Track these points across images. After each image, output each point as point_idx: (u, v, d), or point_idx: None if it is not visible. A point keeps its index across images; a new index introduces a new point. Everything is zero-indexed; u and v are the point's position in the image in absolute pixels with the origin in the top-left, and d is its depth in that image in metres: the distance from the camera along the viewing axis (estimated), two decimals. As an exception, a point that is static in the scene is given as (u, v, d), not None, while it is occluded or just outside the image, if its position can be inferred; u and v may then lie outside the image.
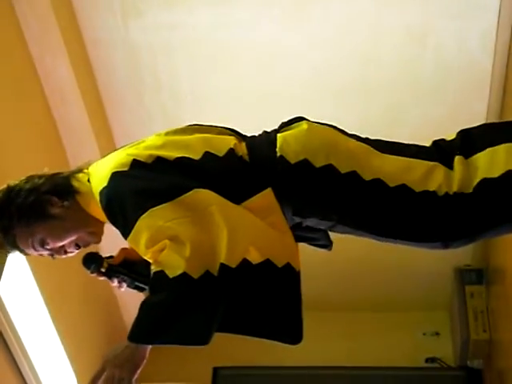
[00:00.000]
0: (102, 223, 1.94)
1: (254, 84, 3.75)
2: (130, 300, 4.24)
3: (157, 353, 4.97)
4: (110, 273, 1.92)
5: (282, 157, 1.84)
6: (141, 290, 1.93)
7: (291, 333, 1.73)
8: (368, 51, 3.61)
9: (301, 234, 1.93)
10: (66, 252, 1.94)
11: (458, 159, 1.84)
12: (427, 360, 4.83)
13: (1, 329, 2.75)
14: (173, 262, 1.67)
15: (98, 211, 1.86)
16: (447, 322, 4.97)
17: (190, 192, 1.74)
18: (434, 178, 1.83)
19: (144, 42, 3.59)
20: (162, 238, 1.71)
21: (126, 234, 1.77)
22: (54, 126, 3.56)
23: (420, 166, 1.85)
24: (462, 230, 1.82)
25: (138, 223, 1.73)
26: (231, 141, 1.91)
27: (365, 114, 3.83)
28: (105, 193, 1.81)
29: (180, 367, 4.74)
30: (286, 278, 1.74)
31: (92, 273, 1.91)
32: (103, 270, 1.91)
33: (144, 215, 1.72)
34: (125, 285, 1.92)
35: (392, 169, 1.84)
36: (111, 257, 1.96)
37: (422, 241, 1.85)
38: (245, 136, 1.98)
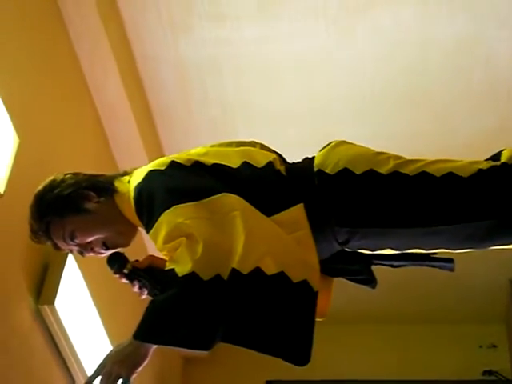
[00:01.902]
0: (135, 227, 1.96)
1: (302, 98, 3.75)
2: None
3: (210, 364, 5.00)
4: (133, 276, 1.89)
5: (320, 170, 1.84)
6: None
7: (297, 353, 1.64)
8: (418, 63, 3.58)
9: (341, 266, 1.91)
10: (92, 250, 1.94)
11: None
12: (484, 373, 4.76)
13: (57, 341, 2.79)
14: (183, 261, 1.66)
15: (132, 212, 1.88)
16: (504, 334, 4.89)
17: (219, 195, 1.74)
18: (480, 161, 1.82)
19: (193, 57, 3.62)
20: (179, 234, 1.70)
21: (148, 228, 1.79)
22: (105, 140, 3.61)
23: (458, 159, 1.84)
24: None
25: (160, 218, 1.73)
26: (271, 156, 1.92)
27: (416, 127, 3.80)
28: (137, 187, 1.85)
29: (233, 380, 4.75)
30: (300, 295, 1.67)
31: (115, 273, 1.90)
32: (126, 271, 1.88)
33: (167, 211, 1.73)
34: (145, 291, 1.89)
35: (434, 161, 1.83)
36: (137, 261, 1.95)
37: (475, 220, 1.77)
38: (286, 161, 1.99)
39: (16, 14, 2.76)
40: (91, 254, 1.97)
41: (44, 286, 2.71)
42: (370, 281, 2.00)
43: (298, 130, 3.85)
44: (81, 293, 2.94)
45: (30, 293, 2.67)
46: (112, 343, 3.17)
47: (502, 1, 3.33)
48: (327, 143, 1.95)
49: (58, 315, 2.70)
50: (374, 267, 2.00)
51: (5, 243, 2.54)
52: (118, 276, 1.91)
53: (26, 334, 2.64)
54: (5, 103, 2.50)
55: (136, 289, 1.91)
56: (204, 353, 4.48)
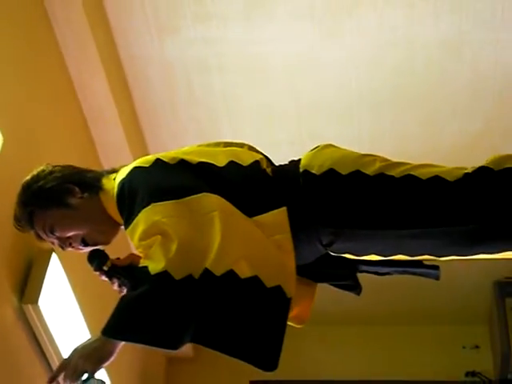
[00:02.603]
0: (117, 225, 1.96)
1: (288, 98, 3.75)
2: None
3: (194, 364, 4.99)
4: (112, 273, 1.89)
5: (305, 171, 1.84)
6: None
7: (264, 358, 1.63)
8: (404, 64, 3.59)
9: (326, 271, 1.91)
10: (71, 245, 1.95)
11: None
12: (467, 374, 4.77)
13: (40, 341, 2.79)
14: (156, 258, 1.65)
15: (116, 210, 1.88)
16: (487, 335, 4.91)
17: (199, 195, 1.74)
18: (466, 167, 1.82)
19: (179, 58, 3.61)
20: (155, 232, 1.69)
21: (127, 225, 1.80)
22: (90, 141, 3.60)
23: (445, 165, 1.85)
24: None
25: (139, 215, 1.74)
26: (258, 156, 1.93)
27: (401, 129, 3.81)
28: (120, 182, 1.86)
29: (217, 380, 4.74)
30: (272, 301, 1.66)
31: (95, 270, 1.90)
32: (105, 268, 1.89)
33: (146, 208, 1.73)
34: (125, 289, 1.89)
35: (421, 165, 1.84)
36: (118, 259, 1.95)
37: (458, 224, 1.78)
38: (273, 164, 1.99)
39: (2, 17, 2.74)
40: (70, 249, 1.97)
41: (27, 285, 2.70)
42: (355, 287, 2.00)
43: (284, 131, 3.86)
44: (64, 292, 2.93)
45: (14, 292, 2.66)
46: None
47: (487, 3, 3.35)
48: (314, 147, 1.96)
49: (41, 314, 2.69)
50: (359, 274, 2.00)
51: (-12, 242, 2.53)
52: (97, 273, 1.91)
53: (10, 333, 2.63)
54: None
55: (115, 287, 1.91)
56: (184, 352, 4.49)
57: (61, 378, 1.75)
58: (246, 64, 3.63)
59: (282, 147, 3.64)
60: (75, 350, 1.72)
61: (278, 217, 1.76)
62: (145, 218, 1.73)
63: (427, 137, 3.82)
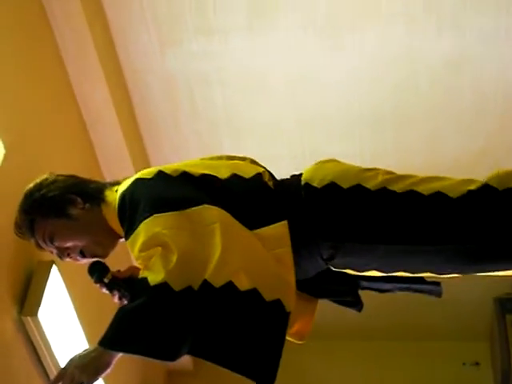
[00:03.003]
0: (117, 238, 1.96)
1: (290, 111, 3.75)
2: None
3: (194, 377, 4.93)
4: (112, 285, 1.89)
5: (307, 184, 1.84)
6: None
7: (261, 373, 1.62)
8: (404, 80, 3.59)
9: (327, 286, 1.90)
10: (69, 255, 1.95)
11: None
12: (467, 390, 4.75)
13: (40, 353, 2.78)
14: (156, 270, 1.65)
15: (117, 221, 1.88)
16: (487, 351, 4.89)
17: (200, 207, 1.74)
18: (472, 181, 1.81)
19: (181, 70, 3.62)
20: (156, 243, 1.69)
21: (127, 236, 1.79)
22: (91, 152, 3.60)
23: (451, 177, 1.84)
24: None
25: (140, 226, 1.74)
26: (260, 169, 1.93)
27: (403, 145, 3.80)
28: (121, 194, 1.86)
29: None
30: (271, 314, 1.65)
31: (95, 282, 1.90)
32: (106, 280, 1.89)
33: (147, 220, 1.73)
34: (125, 301, 1.88)
35: (426, 179, 1.83)
36: (119, 271, 1.95)
37: (456, 242, 1.77)
38: (275, 178, 1.99)
39: (2, 22, 2.75)
40: (68, 259, 1.97)
41: (27, 297, 2.68)
42: (356, 303, 1.99)
43: (285, 144, 3.86)
44: (64, 304, 2.92)
45: (13, 304, 2.65)
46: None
47: (490, 19, 3.36)
48: (316, 161, 1.95)
49: (41, 327, 2.68)
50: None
51: (-12, 253, 2.52)
52: (98, 285, 1.90)
53: (9, 346, 2.62)
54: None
55: (116, 299, 1.90)
56: (184, 365, 4.47)
57: None
58: (248, 78, 3.64)
59: (283, 162, 3.63)
60: (72, 360, 1.71)
61: (278, 230, 1.76)
62: (145, 229, 1.72)
63: (429, 154, 3.81)
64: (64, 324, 2.90)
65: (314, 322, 2.00)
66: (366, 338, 4.91)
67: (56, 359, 2.80)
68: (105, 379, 2.78)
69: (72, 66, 3.29)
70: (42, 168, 2.98)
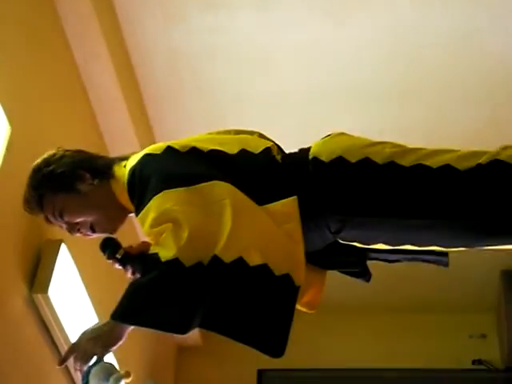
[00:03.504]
0: (126, 213, 1.97)
1: (296, 86, 3.74)
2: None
3: (203, 353, 4.99)
4: (125, 260, 1.89)
5: (314, 158, 1.84)
6: None
7: (271, 345, 1.64)
8: (411, 53, 3.57)
9: (335, 258, 1.90)
10: (79, 230, 1.96)
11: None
12: (474, 362, 4.77)
13: (50, 330, 2.80)
14: (167, 246, 1.66)
15: (126, 197, 1.89)
16: (494, 324, 4.91)
17: (210, 182, 1.74)
18: (482, 153, 1.79)
19: (186, 46, 3.60)
20: (166, 219, 1.70)
21: (138, 212, 1.80)
22: (97, 129, 3.60)
23: (462, 149, 1.82)
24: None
25: (150, 202, 1.74)
26: (269, 143, 1.93)
27: (410, 117, 3.79)
28: (131, 169, 1.86)
29: (225, 368, 4.76)
30: (281, 288, 1.67)
31: (108, 258, 1.91)
32: (118, 256, 1.89)
33: (157, 196, 1.73)
34: (138, 276, 1.89)
35: (434, 151, 1.82)
36: (131, 247, 1.95)
37: (462, 217, 1.76)
38: (283, 151, 1.99)
39: (8, 8, 2.74)
40: (78, 235, 1.98)
41: (37, 274, 2.70)
42: (364, 274, 2.00)
43: (292, 120, 3.85)
44: (74, 281, 2.93)
45: (23, 282, 2.67)
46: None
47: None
48: (326, 135, 1.95)
49: (51, 304, 2.70)
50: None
51: (-3, 232, 2.53)
52: (111, 261, 1.91)
53: (20, 323, 2.64)
54: (-3, 92, 2.49)
55: (129, 274, 1.91)
56: (193, 341, 4.51)
57: (70, 361, 1.76)
58: (253, 53, 3.62)
59: (290, 137, 3.62)
60: (84, 334, 1.74)
61: (288, 206, 1.76)
62: (156, 205, 1.73)
63: (436, 125, 3.81)
64: (74, 301, 2.93)
65: (323, 293, 2.01)
66: (373, 312, 4.93)
67: (67, 336, 2.82)
68: (116, 355, 2.81)
69: (77, 46, 3.28)
70: (47, 144, 2.99)
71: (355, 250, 1.92)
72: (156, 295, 1.63)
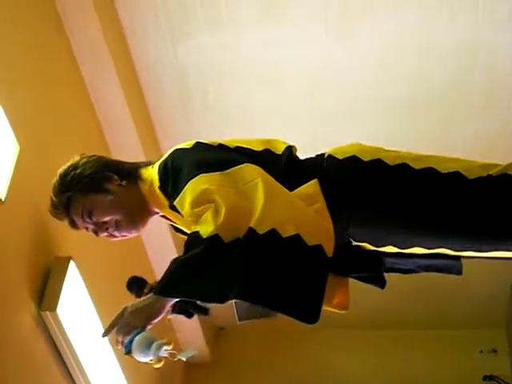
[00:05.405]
0: (150, 215, 2.03)
1: (303, 102, 3.75)
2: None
3: (211, 368, 4.92)
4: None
5: (329, 155, 1.92)
6: (188, 315, 1.92)
7: (307, 312, 1.70)
8: (418, 66, 3.59)
9: (351, 262, 1.94)
10: (107, 229, 2.01)
11: None
12: (485, 378, 4.75)
13: (59, 347, 2.80)
14: (207, 224, 1.73)
15: (155, 195, 1.95)
16: (504, 339, 4.89)
17: (241, 165, 1.83)
18: (494, 166, 1.83)
19: (192, 63, 3.63)
20: (206, 199, 1.77)
21: (174, 197, 1.86)
22: (105, 147, 3.62)
23: (469, 159, 1.87)
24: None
25: (186, 186, 1.81)
26: (290, 143, 2.01)
27: (417, 132, 3.80)
28: (162, 162, 1.93)
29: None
30: (313, 258, 1.74)
31: (137, 296, 1.93)
32: (146, 290, 1.92)
33: (194, 179, 1.81)
34: (170, 309, 1.92)
35: (445, 159, 1.87)
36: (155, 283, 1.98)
37: (463, 222, 1.81)
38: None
39: (18, 25, 2.77)
40: (105, 234, 2.03)
41: (46, 292, 2.71)
42: (379, 279, 2.02)
43: (298, 136, 3.84)
44: (82, 299, 2.94)
45: (32, 299, 2.67)
46: (114, 349, 3.16)
47: (503, 4, 3.34)
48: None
49: (60, 321, 2.70)
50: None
51: (6, 249, 2.54)
52: (139, 299, 1.93)
53: (28, 340, 2.64)
54: (5, 110, 2.51)
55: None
56: (202, 357, 4.48)
57: (113, 333, 1.80)
58: (259, 69, 3.64)
59: (297, 152, 3.63)
60: (126, 308, 1.78)
61: (310, 187, 1.84)
62: (193, 187, 1.81)
63: (444, 140, 3.81)
64: (83, 318, 2.93)
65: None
66: (382, 327, 4.92)
67: (75, 353, 2.82)
68: (124, 372, 2.80)
69: (86, 65, 3.32)
70: (56, 164, 3.00)
71: (369, 254, 1.96)
72: (197, 269, 1.70)
